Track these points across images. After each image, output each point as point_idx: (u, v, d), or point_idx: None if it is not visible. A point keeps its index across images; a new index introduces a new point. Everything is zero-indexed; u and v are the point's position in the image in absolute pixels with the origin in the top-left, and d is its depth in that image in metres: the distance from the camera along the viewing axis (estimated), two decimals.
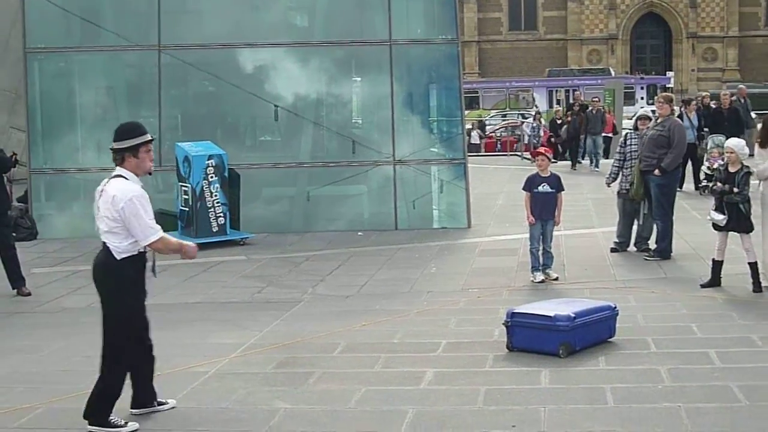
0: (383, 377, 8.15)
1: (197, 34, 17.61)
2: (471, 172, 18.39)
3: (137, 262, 6.86)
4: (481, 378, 7.99)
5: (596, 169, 26.38)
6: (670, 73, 71.01)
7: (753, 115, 24.89)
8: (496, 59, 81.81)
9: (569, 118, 29.14)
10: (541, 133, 33.02)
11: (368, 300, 11.63)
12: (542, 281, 12.02)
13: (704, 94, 24.75)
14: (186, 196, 15.72)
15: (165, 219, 16.14)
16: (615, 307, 9.08)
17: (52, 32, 17.98)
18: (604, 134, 28.92)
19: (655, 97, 16.99)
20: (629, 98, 52.65)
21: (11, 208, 14.26)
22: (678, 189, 14.53)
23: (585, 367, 8.19)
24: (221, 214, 15.71)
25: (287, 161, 17.89)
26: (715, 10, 79.28)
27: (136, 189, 6.77)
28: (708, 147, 19.54)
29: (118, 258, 6.76)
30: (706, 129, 20.91)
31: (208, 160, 15.62)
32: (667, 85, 60.49)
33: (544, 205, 12.17)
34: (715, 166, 14.51)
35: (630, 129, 14.81)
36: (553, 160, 15.17)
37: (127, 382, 7.12)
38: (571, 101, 38.59)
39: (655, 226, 13.49)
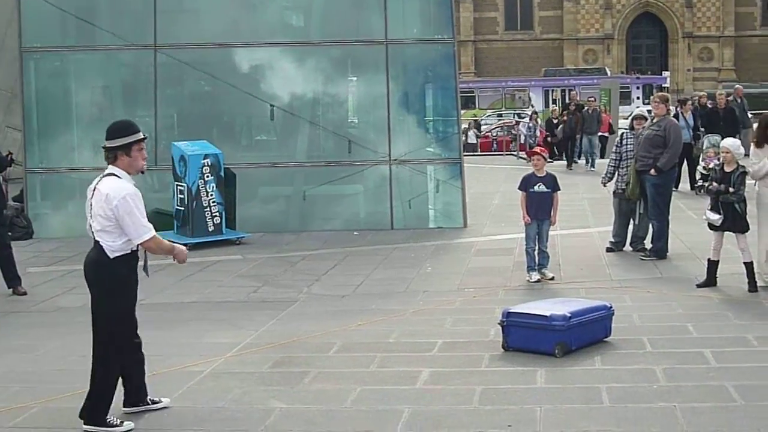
0: (379, 377, 8.15)
1: (193, 34, 17.60)
2: (467, 172, 18.40)
3: (130, 260, 6.86)
4: (476, 378, 7.99)
5: (592, 169, 26.40)
6: (666, 73, 71.09)
7: (749, 115, 24.90)
8: (492, 59, 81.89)
9: (565, 118, 29.15)
10: (538, 133, 33.03)
11: (364, 299, 11.63)
12: (538, 281, 12.02)
13: (701, 93, 24.75)
14: (182, 196, 15.71)
15: (161, 218, 16.16)
16: (611, 307, 9.08)
17: (47, 32, 17.96)
18: (600, 134, 28.95)
19: (651, 97, 17.01)
20: (625, 98, 52.70)
21: (7, 208, 14.24)
22: (674, 189, 14.56)
23: (581, 367, 8.19)
24: (217, 214, 15.70)
25: (283, 161, 17.89)
26: (711, 9, 79.41)
27: (129, 187, 6.76)
28: (704, 147, 19.57)
29: (111, 257, 6.75)
30: (702, 129, 20.93)
31: (204, 159, 15.61)
32: (663, 85, 60.63)
33: (539, 205, 12.18)
34: (711, 165, 14.51)
35: (626, 129, 14.82)
36: (548, 160, 15.17)
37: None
38: (567, 101, 38.60)
39: (650, 226, 13.50)
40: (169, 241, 7.39)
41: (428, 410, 7.18)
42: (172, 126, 18.19)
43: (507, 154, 35.49)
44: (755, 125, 12.00)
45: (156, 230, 6.94)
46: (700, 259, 12.30)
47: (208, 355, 8.98)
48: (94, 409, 6.85)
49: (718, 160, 12.68)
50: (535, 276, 12.08)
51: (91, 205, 6.84)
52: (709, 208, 11.15)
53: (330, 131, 17.88)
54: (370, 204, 17.89)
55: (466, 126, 39.96)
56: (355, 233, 16.69)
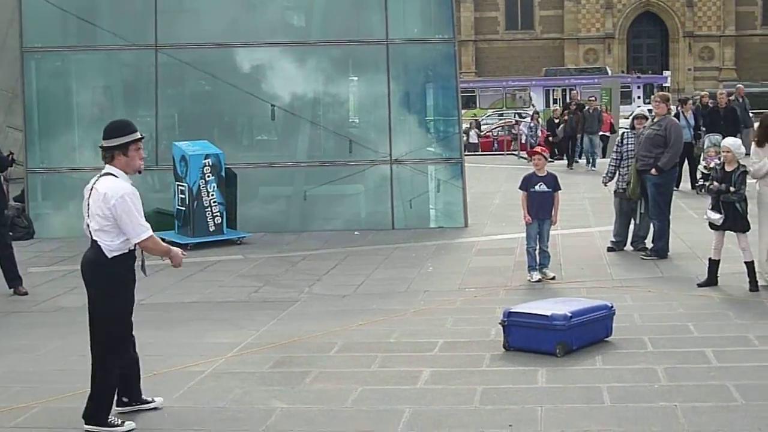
0: (380, 377, 8.15)
1: (194, 34, 17.60)
2: (468, 172, 18.40)
3: (127, 260, 6.85)
4: (477, 377, 7.99)
5: (593, 169, 26.40)
6: (666, 72, 71.06)
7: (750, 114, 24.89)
8: (492, 58, 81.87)
9: (566, 118, 29.15)
10: (539, 132, 33.03)
11: (365, 299, 11.63)
12: (539, 280, 12.02)
13: (703, 93, 24.73)
14: (183, 196, 15.72)
15: (162, 218, 16.17)
16: (612, 307, 9.08)
17: (49, 32, 17.97)
18: (601, 133, 28.95)
19: (652, 97, 17.00)
20: (626, 97, 52.74)
21: (8, 207, 14.25)
22: (675, 188, 14.57)
23: (582, 367, 8.19)
24: (218, 214, 15.70)
25: (284, 161, 17.90)
26: (712, 9, 79.37)
27: (126, 187, 6.75)
28: (704, 146, 19.58)
29: (109, 256, 6.74)
30: (703, 128, 20.92)
31: (205, 159, 15.61)
32: (663, 84, 60.60)
33: (540, 205, 12.18)
34: (712, 165, 14.51)
35: (627, 128, 14.82)
36: (549, 160, 15.17)
37: None
38: (567, 100, 38.60)
39: (651, 226, 13.50)
40: (168, 242, 7.38)
41: (429, 410, 7.18)
42: (173, 126, 18.20)
43: (508, 154, 35.50)
44: (756, 124, 12.00)
45: (157, 230, 6.94)
46: (701, 259, 12.31)
47: (209, 355, 8.98)
48: (96, 409, 6.85)
49: (719, 159, 12.67)
50: (536, 276, 12.08)
51: (88, 204, 6.83)
52: (710, 207, 11.15)
53: (331, 131, 17.88)
54: (370, 204, 17.89)
55: (468, 126, 39.99)
56: (355, 233, 16.69)
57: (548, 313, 8.59)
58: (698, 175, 19.73)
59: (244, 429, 6.95)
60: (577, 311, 8.68)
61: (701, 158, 19.61)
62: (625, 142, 13.99)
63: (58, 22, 17.81)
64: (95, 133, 16.73)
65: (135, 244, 6.81)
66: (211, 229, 15.64)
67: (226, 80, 17.46)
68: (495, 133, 42.26)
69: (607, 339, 8.92)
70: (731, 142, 11.29)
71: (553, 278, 12.13)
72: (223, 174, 15.85)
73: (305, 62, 17.48)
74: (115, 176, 6.80)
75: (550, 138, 30.26)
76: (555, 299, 9.79)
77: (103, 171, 6.87)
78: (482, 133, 42.35)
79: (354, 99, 18.66)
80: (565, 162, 28.08)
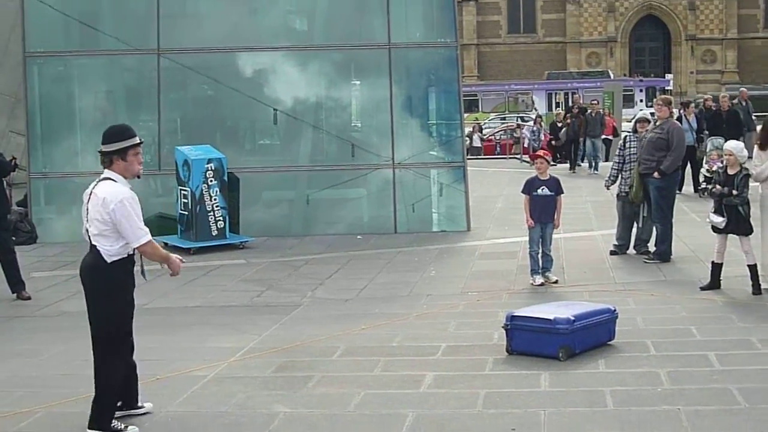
0: (382, 381, 8.15)
1: (196, 38, 17.60)
2: (470, 175, 18.40)
3: (126, 265, 6.83)
4: (480, 381, 7.99)
5: (595, 172, 26.39)
6: (669, 76, 71.07)
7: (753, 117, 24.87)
8: (495, 62, 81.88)
9: (568, 121, 29.14)
10: (542, 136, 33.02)
11: (367, 303, 11.63)
12: (542, 284, 12.02)
13: (706, 97, 24.71)
14: (185, 200, 15.72)
15: (164, 223, 16.19)
16: (614, 310, 9.08)
17: (51, 36, 17.99)
18: (604, 137, 28.94)
19: (654, 100, 16.99)
20: (628, 101, 52.74)
21: (11, 212, 14.26)
22: (677, 191, 14.55)
23: (584, 370, 8.19)
24: (221, 218, 15.71)
25: (286, 165, 17.89)
26: (714, 12, 79.35)
27: (125, 191, 6.74)
28: (707, 149, 19.56)
29: (108, 261, 6.73)
30: (706, 131, 20.91)
31: (208, 163, 15.63)
32: (666, 88, 60.65)
33: (543, 208, 12.17)
34: (714, 168, 14.52)
35: (629, 132, 14.82)
36: (552, 163, 15.17)
37: None
38: (570, 104, 38.62)
39: (654, 229, 13.49)
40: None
41: (432, 414, 7.18)
42: (175, 130, 18.22)
43: (510, 158, 35.50)
44: (759, 127, 11.99)
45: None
46: (703, 262, 12.30)
47: (211, 359, 8.98)
48: (99, 413, 6.84)
49: (722, 162, 12.67)
50: (539, 279, 12.08)
51: (87, 209, 6.82)
52: (713, 210, 11.15)
53: (333, 135, 17.89)
54: (373, 208, 17.89)
55: (471, 129, 40.00)
56: (358, 237, 16.69)
57: (551, 317, 8.59)
58: (701, 179, 19.72)
59: None
60: (580, 315, 8.68)
61: (704, 161, 19.61)
62: (627, 145, 13.98)
63: (60, 26, 17.83)
64: (98, 138, 16.56)
65: (134, 249, 6.80)
66: (213, 234, 15.64)
67: (228, 84, 17.48)
68: (497, 137, 42.28)
69: (610, 342, 8.91)
70: (733, 146, 11.29)
71: (556, 282, 12.12)
72: (225, 178, 15.85)
73: (307, 66, 17.48)
74: (114, 181, 6.79)
75: (553, 142, 30.24)
76: (558, 303, 9.78)
77: (102, 176, 6.86)
78: (485, 137, 42.36)
79: (356, 103, 18.67)
80: (568, 165, 28.07)
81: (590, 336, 8.72)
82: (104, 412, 6.85)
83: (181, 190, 15.86)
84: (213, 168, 15.64)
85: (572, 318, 8.54)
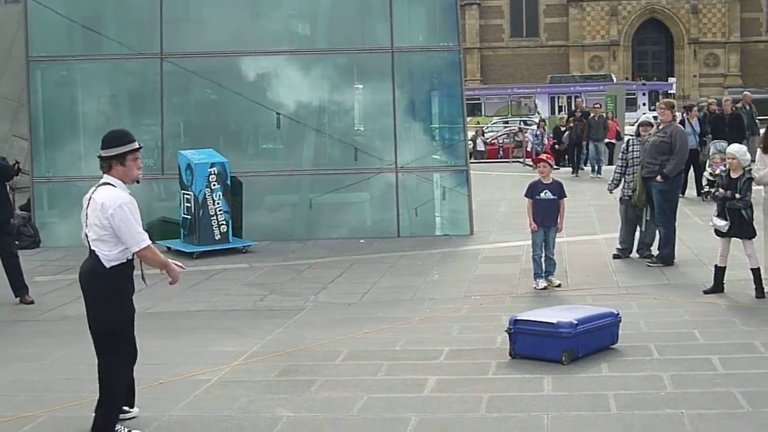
0: (386, 385, 8.14)
1: (199, 42, 17.63)
2: (473, 179, 18.40)
3: (125, 270, 6.82)
4: (483, 385, 7.99)
5: (598, 176, 26.39)
6: (671, 79, 71.08)
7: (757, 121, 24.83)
8: (497, 66, 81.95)
9: (571, 125, 29.15)
10: (545, 140, 33.04)
11: (370, 307, 11.63)
12: (545, 288, 12.01)
13: (710, 100, 24.67)
14: (188, 204, 15.73)
15: (167, 227, 16.19)
16: (617, 314, 9.07)
17: (54, 41, 18.02)
18: (608, 140, 28.95)
19: (657, 103, 16.98)
20: (631, 104, 52.78)
21: (14, 217, 14.27)
22: (680, 195, 14.55)
23: (588, 374, 8.18)
24: (224, 222, 15.71)
25: (289, 169, 17.91)
26: (717, 15, 79.40)
27: (124, 196, 6.73)
28: (710, 153, 19.56)
29: (107, 266, 6.71)
30: (709, 135, 20.90)
31: (211, 167, 15.63)
32: (669, 91, 60.64)
33: (546, 212, 12.17)
34: (717, 172, 14.52)
35: (632, 135, 14.83)
36: (555, 167, 15.16)
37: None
38: (573, 108, 38.62)
39: (657, 233, 13.48)
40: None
41: (435, 418, 7.18)
42: (178, 134, 18.23)
43: (513, 161, 35.50)
44: (763, 131, 11.99)
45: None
46: (707, 266, 12.29)
47: (214, 363, 8.98)
48: (105, 417, 6.83)
49: (725, 166, 12.66)
50: (542, 283, 12.07)
51: (86, 214, 6.82)
52: (716, 214, 11.15)
53: (336, 139, 17.89)
54: (376, 212, 17.89)
55: (474, 133, 40.05)
56: (361, 241, 16.69)
57: (554, 321, 8.59)
58: (704, 182, 19.72)
59: None
60: (583, 319, 8.68)
61: (707, 165, 19.60)
62: (630, 149, 13.98)
63: (63, 31, 17.86)
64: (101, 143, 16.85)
65: (133, 254, 6.80)
66: (216, 238, 15.65)
67: (231, 89, 17.49)
68: (500, 141, 42.32)
69: (613, 346, 8.90)
70: (736, 149, 11.29)
71: (559, 286, 12.12)
72: (228, 182, 15.86)
73: (310, 70, 17.50)
74: (113, 186, 6.78)
75: (556, 146, 30.25)
76: (561, 307, 9.78)
77: (101, 181, 6.85)
78: (487, 141, 42.40)
79: (359, 107, 18.67)
80: (570, 169, 28.07)
81: (593, 340, 8.72)
82: (110, 416, 6.84)
83: (184, 194, 15.87)
84: (216, 172, 15.65)
85: (575, 322, 8.54)
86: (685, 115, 21.07)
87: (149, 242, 6.79)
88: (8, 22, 21.71)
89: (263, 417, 7.35)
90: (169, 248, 15.31)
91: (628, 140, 14.55)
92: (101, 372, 6.90)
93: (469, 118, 30.83)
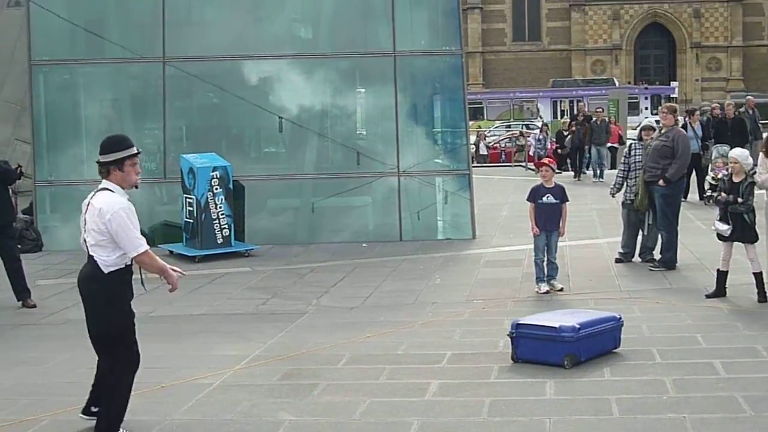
0: (388, 389, 8.14)
1: (201, 46, 17.64)
2: (475, 183, 18.40)
3: (124, 275, 6.81)
4: (485, 389, 7.98)
5: (600, 180, 26.38)
6: (674, 83, 71.18)
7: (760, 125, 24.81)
8: (500, 70, 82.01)
9: (573, 129, 29.14)
10: (548, 144, 33.05)
11: (373, 311, 11.63)
12: (547, 292, 12.01)
13: (714, 105, 24.66)
14: (191, 208, 15.73)
15: (170, 231, 16.19)
16: (620, 318, 9.06)
17: (56, 45, 18.03)
18: (610, 144, 28.93)
19: (659, 108, 16.99)
20: (633, 108, 52.78)
21: (16, 220, 14.28)
22: (682, 199, 14.54)
23: (590, 378, 8.18)
24: (226, 226, 15.71)
25: (292, 173, 17.91)
26: (719, 20, 79.45)
27: (122, 201, 6.73)
28: (712, 157, 19.54)
29: (106, 272, 6.70)
30: (712, 139, 20.89)
31: (213, 171, 15.64)
32: (671, 95, 60.70)
33: (548, 216, 12.17)
34: (720, 176, 14.49)
35: (634, 139, 14.82)
36: (557, 171, 15.16)
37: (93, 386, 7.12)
38: (575, 112, 38.63)
39: (659, 237, 13.48)
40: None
41: (437, 422, 7.17)
42: (180, 138, 18.24)
43: (515, 165, 35.52)
44: (765, 135, 11.98)
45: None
46: (709, 270, 12.28)
47: (217, 367, 8.99)
48: (109, 421, 6.82)
49: (727, 170, 12.65)
50: (544, 287, 12.06)
51: (85, 219, 6.82)
52: (718, 218, 11.14)
53: (338, 143, 17.90)
54: (378, 216, 17.89)
55: (477, 137, 40.06)
56: (363, 245, 16.69)
57: (556, 325, 8.59)
58: (706, 186, 19.69)
59: None
60: (586, 323, 8.67)
61: (709, 169, 19.58)
62: (632, 153, 13.98)
63: (66, 35, 17.88)
64: None
65: (131, 259, 6.80)
66: (219, 242, 15.65)
67: (233, 93, 17.50)
68: (503, 145, 42.34)
69: (615, 350, 8.90)
70: (738, 153, 11.29)
71: (561, 290, 12.11)
72: (231, 186, 15.87)
73: (312, 74, 17.51)
74: (111, 191, 6.78)
75: (559, 150, 30.24)
76: (563, 311, 9.77)
77: (100, 186, 6.85)
78: (490, 145, 42.43)
79: (361, 111, 18.68)
80: (572, 173, 28.07)
81: (595, 344, 8.71)
82: (114, 420, 6.83)
83: (186, 198, 15.87)
84: (218, 176, 15.66)
85: (577, 326, 8.54)
86: (687, 119, 21.07)
87: (147, 247, 6.78)
88: (11, 25, 21.73)
89: (265, 421, 7.35)
90: (171, 252, 15.32)
91: (631, 144, 14.55)
92: (107, 372, 6.90)
93: (471, 122, 30.89)
